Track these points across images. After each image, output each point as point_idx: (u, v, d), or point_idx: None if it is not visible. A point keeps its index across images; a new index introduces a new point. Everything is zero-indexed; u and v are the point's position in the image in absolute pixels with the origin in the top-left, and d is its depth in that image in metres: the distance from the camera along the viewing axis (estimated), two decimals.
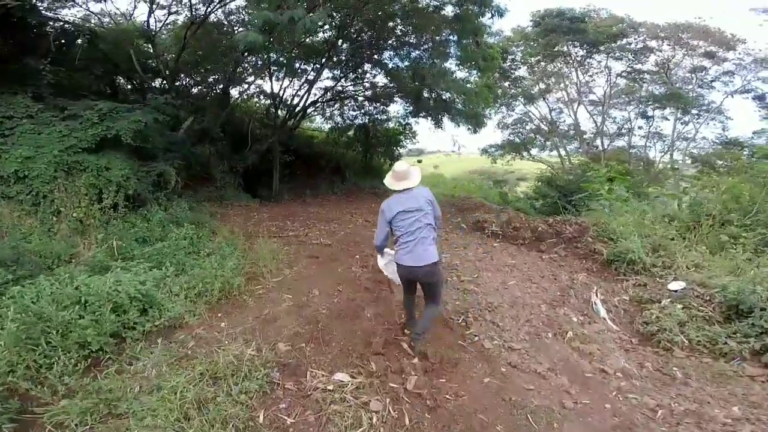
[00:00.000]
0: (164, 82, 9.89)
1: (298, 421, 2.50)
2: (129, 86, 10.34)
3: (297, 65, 12.52)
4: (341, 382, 2.85)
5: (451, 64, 12.58)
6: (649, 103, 18.64)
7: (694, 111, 18.77)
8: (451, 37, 11.36)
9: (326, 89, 13.96)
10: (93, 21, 9.22)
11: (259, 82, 12.93)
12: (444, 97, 12.73)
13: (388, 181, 3.24)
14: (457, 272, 5.25)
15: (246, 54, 9.93)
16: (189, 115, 9.01)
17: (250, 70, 12.12)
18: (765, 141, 17.97)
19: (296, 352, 3.28)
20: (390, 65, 13.21)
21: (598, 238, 6.26)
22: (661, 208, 7.60)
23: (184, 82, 11.30)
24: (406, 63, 12.93)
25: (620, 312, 4.38)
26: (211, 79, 11.10)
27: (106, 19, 9.78)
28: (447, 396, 2.80)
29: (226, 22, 10.74)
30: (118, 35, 8.94)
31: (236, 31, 10.27)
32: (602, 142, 19.88)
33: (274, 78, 12.74)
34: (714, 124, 19.32)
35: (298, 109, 13.04)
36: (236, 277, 4.53)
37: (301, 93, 12.79)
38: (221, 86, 10.81)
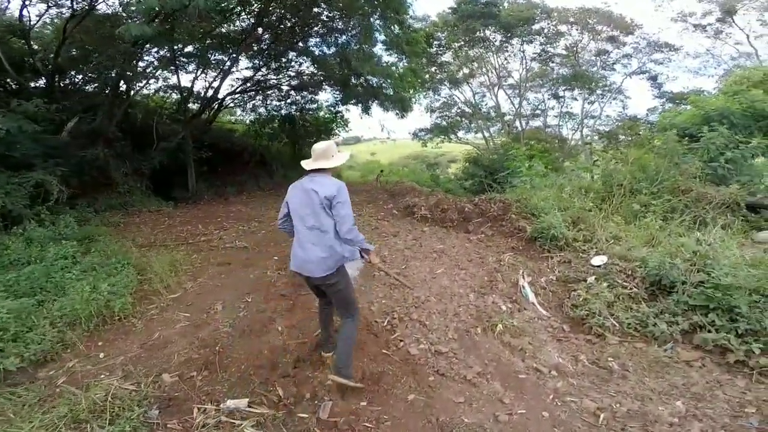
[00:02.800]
0: (45, 81, 8.27)
1: None
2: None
3: (210, 55, 11.19)
4: (239, 411, 2.30)
5: (379, 51, 11.99)
6: (560, 84, 19.33)
7: (598, 91, 19.82)
8: (377, 22, 10.69)
9: (246, 79, 12.74)
10: None
11: (166, 74, 11.44)
12: (372, 83, 12.10)
13: (305, 161, 2.56)
14: (385, 264, 4.72)
15: (146, 45, 8.55)
16: (74, 115, 7.54)
17: (155, 62, 10.61)
18: (657, 117, 19.52)
19: (184, 383, 2.62)
20: (317, 52, 12.28)
21: (521, 214, 6.05)
22: (577, 181, 7.63)
23: (71, 80, 9.56)
24: (333, 49, 12.08)
25: (548, 294, 4.08)
26: (105, 75, 9.45)
27: None
28: (367, 424, 2.26)
29: (124, 14, 9.18)
30: None
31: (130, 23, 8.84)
32: (521, 123, 20.41)
33: (184, 70, 11.36)
34: (616, 103, 20.67)
35: (214, 101, 11.75)
36: (119, 297, 3.66)
37: (216, 84, 11.52)
38: (114, 82, 9.23)
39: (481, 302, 3.73)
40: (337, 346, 2.55)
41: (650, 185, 6.29)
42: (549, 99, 20.73)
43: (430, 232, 6.34)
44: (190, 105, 11.39)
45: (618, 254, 4.51)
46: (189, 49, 10.55)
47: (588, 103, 20.58)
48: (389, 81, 11.69)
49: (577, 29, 19.34)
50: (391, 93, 11.88)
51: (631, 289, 3.83)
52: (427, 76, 18.32)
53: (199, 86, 12.02)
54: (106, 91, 8.95)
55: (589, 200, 6.45)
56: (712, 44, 19.38)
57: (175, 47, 9.63)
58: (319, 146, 2.49)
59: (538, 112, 21.15)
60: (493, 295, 3.87)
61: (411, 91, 12.05)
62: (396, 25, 11.20)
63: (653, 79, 19.70)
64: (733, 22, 18.43)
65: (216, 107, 12.16)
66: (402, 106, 11.88)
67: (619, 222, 5.58)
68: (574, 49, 19.47)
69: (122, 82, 9.04)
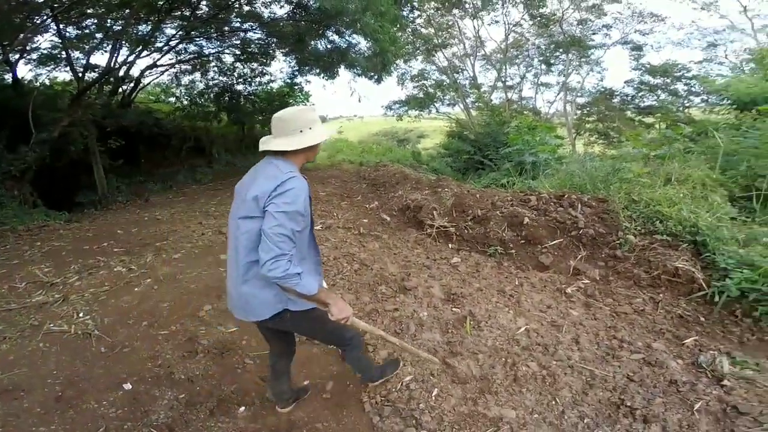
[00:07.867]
0: None
1: None
2: None
3: (120, 26, 6.82)
4: None
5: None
6: (553, 49, 16.21)
7: (575, 63, 16.89)
8: None
9: (172, 49, 8.28)
10: None
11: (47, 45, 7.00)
12: (336, 43, 8.27)
13: (264, 138, 1.28)
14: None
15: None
16: None
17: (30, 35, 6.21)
18: (632, 89, 17.10)
19: None
20: (266, 14, 7.98)
21: (653, 234, 2.84)
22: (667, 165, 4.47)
23: None
24: (287, 8, 7.84)
25: None
26: None
27: None
28: None
29: None
30: None
31: None
32: (506, 94, 17.15)
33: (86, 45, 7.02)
34: (593, 74, 17.89)
35: (126, 79, 7.61)
36: None
37: (132, 59, 7.31)
38: None
39: None
40: (354, 369, 1.70)
41: None
42: (529, 69, 17.49)
43: (465, 268, 3.03)
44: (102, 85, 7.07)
45: None
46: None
47: (563, 75, 17.68)
48: (364, 23, 7.55)
49: None
50: (367, 46, 8.05)
51: None
52: (403, 39, 14.44)
53: (102, 60, 7.80)
54: None
55: (726, 203, 3.35)
56: (698, 16, 16.75)
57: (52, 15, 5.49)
58: (279, 115, 1.25)
59: (513, 83, 17.95)
60: None
61: (392, 47, 8.20)
62: None
63: (638, 49, 16.89)
64: None
65: (133, 86, 7.99)
66: (382, 63, 8.07)
67: None
68: (561, 15, 16.21)
69: None
